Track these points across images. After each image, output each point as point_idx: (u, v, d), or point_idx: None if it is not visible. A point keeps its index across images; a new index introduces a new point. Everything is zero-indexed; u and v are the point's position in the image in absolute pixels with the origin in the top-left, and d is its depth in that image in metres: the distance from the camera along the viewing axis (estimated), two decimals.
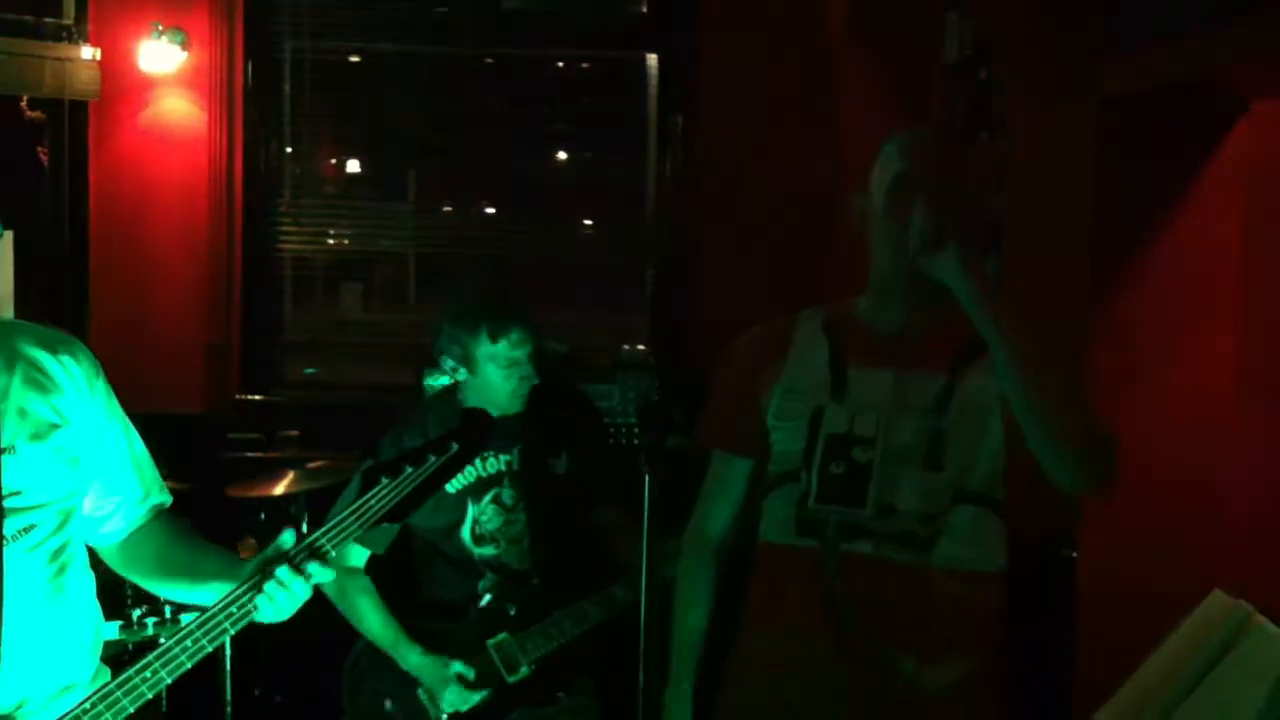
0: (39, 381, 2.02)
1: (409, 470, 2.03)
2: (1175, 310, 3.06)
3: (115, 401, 2.15)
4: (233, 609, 2.01)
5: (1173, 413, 3.06)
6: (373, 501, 2.03)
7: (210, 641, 2.01)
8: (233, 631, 2.03)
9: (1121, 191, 3.04)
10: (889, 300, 2.27)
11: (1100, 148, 3.05)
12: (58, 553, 2.04)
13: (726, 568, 2.46)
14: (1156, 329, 3.05)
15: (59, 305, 5.26)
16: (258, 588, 2.00)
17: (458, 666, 3.21)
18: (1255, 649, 1.56)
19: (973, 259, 2.12)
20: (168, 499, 2.26)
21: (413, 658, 3.24)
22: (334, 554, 2.03)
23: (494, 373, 3.21)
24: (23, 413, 1.99)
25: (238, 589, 2.01)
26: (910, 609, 2.19)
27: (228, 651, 3.92)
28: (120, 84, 5.34)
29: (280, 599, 2.00)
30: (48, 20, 5.11)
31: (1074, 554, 3.08)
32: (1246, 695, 1.53)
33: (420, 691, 3.26)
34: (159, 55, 5.28)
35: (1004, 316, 2.10)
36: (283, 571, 1.99)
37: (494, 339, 3.20)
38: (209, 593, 2.12)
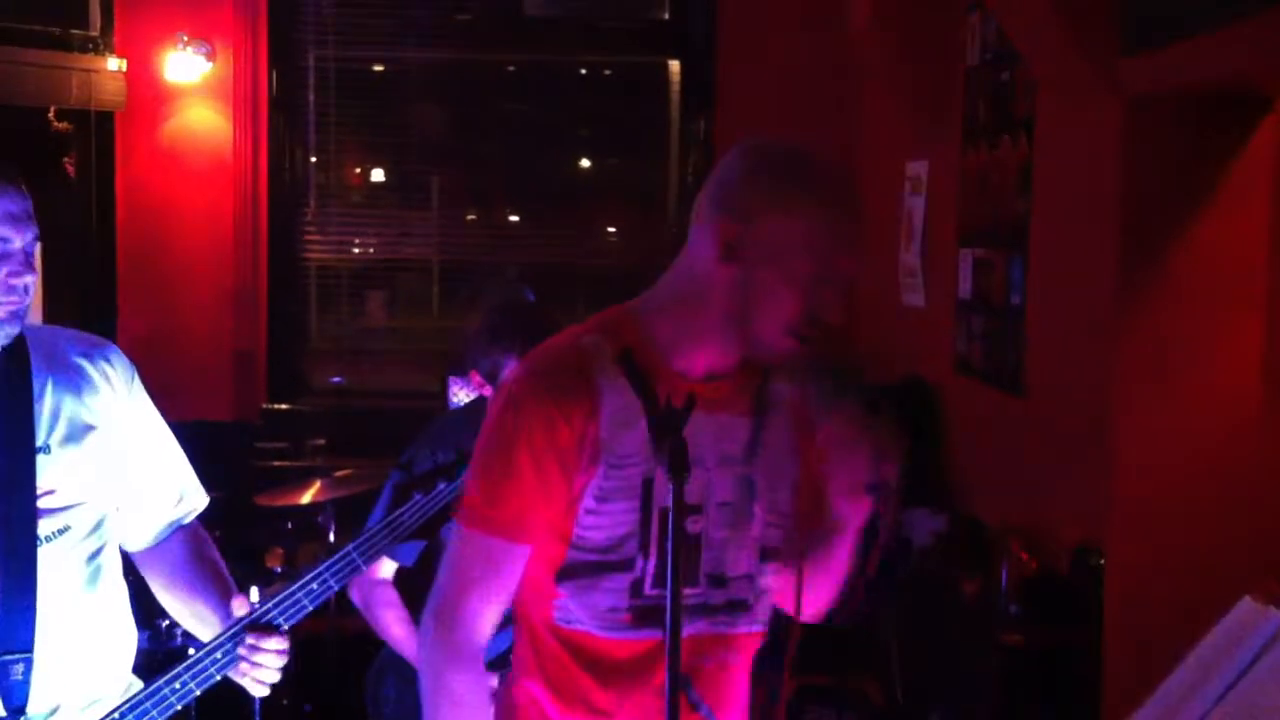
0: (76, 384, 2.03)
1: (442, 487, 2.05)
2: (1202, 311, 3.04)
3: (152, 406, 2.17)
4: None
5: (1200, 414, 3.04)
6: (405, 517, 2.05)
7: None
8: None
9: (1147, 192, 3.03)
10: (709, 344, 1.93)
11: (1126, 148, 3.04)
12: (93, 556, 2.05)
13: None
14: (1183, 330, 3.04)
15: (87, 314, 5.30)
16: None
17: None
18: None
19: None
20: (202, 503, 2.26)
21: None
22: (364, 566, 2.05)
23: None
24: (58, 414, 2.00)
25: (283, 595, 2.04)
26: (727, 673, 1.98)
27: None
28: (146, 94, 5.37)
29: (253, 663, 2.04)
30: (74, 32, 5.15)
31: (1102, 561, 3.06)
32: (1278, 702, 1.52)
33: None
34: (184, 65, 5.31)
35: None
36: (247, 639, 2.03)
37: None
38: (198, 627, 2.18)
